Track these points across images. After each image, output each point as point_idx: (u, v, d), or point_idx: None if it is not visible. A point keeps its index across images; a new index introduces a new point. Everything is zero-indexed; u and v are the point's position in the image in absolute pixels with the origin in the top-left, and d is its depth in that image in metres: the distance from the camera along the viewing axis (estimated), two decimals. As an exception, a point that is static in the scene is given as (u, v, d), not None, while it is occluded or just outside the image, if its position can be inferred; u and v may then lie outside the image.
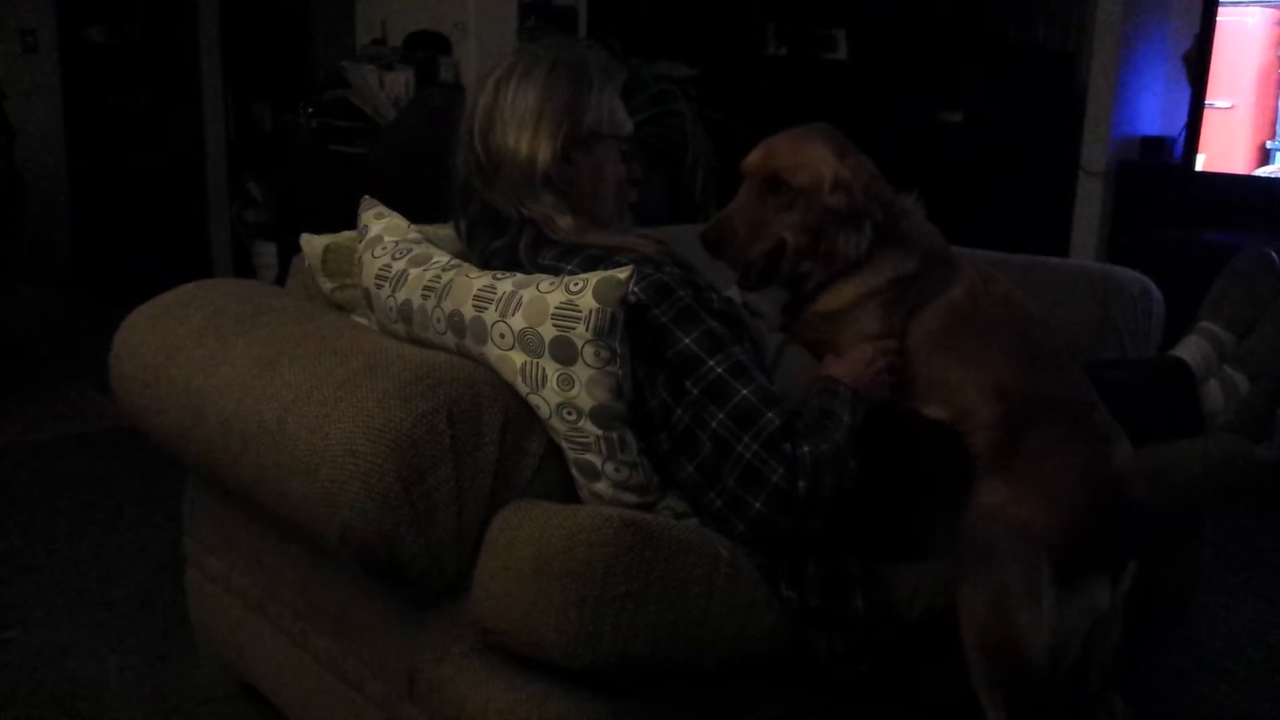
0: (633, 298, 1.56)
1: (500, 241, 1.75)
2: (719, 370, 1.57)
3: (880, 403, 1.75)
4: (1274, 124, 3.87)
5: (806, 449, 1.55)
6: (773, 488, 1.53)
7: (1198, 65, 3.94)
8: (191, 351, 1.80)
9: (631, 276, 1.50)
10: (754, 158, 1.87)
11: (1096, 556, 1.73)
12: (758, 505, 1.54)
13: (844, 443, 1.61)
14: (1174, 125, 4.22)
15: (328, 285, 2.03)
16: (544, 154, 1.71)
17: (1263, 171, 3.90)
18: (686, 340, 1.57)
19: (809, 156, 1.83)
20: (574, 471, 1.58)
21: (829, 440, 1.59)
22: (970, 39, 4.93)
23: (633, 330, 1.54)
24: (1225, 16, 3.85)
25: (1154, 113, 4.38)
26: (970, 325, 1.85)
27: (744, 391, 1.56)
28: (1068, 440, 1.78)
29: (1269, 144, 3.88)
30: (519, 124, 1.72)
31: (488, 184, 1.75)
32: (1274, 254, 2.39)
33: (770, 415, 1.55)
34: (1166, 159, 4.22)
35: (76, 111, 6.10)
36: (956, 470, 1.77)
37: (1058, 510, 1.71)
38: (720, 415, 1.55)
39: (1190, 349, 2.31)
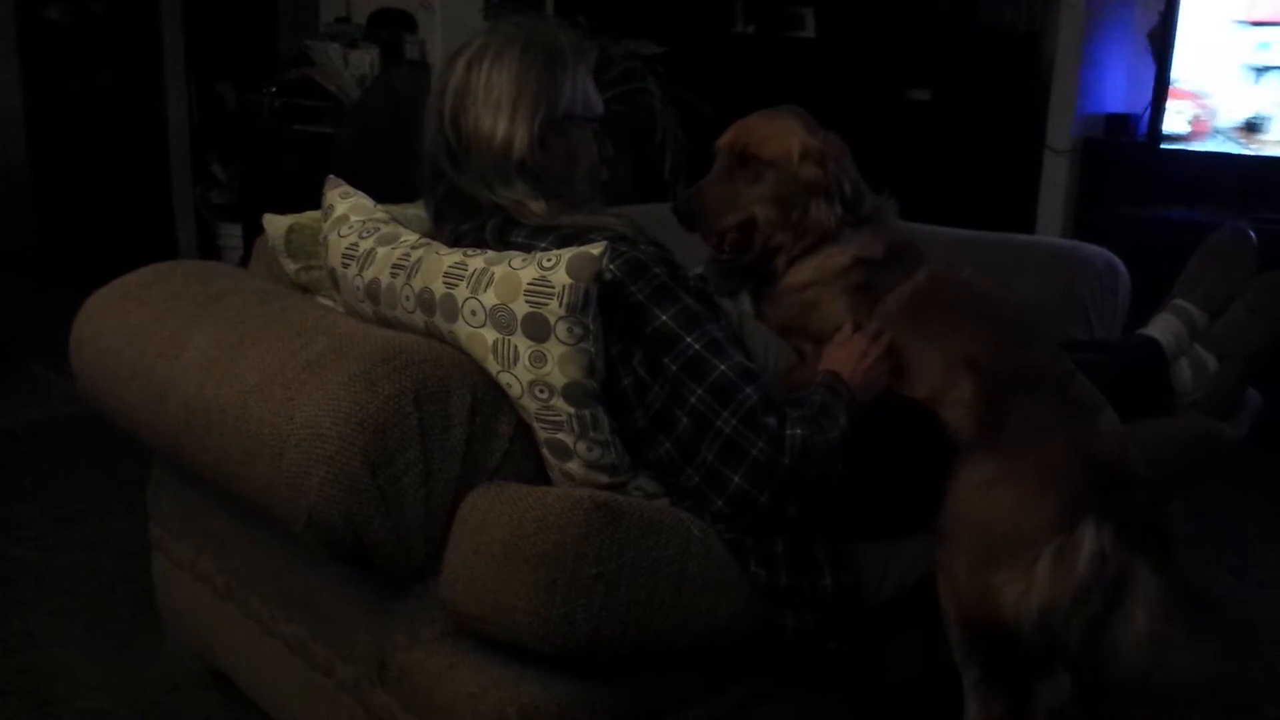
0: (608, 275, 1.54)
1: (469, 224, 1.73)
2: (696, 347, 1.56)
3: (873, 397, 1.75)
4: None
5: (800, 432, 1.55)
6: (752, 461, 1.53)
7: (1162, 43, 3.96)
8: (153, 334, 1.78)
9: (605, 253, 1.49)
10: (727, 136, 1.92)
11: (1091, 526, 1.71)
12: (737, 479, 1.54)
13: (836, 443, 1.60)
14: (1139, 103, 4.24)
15: (291, 266, 2.01)
16: (520, 140, 1.69)
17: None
18: (664, 317, 1.56)
19: (777, 130, 1.88)
20: (545, 452, 1.57)
21: (824, 436, 1.59)
22: (937, 18, 4.94)
23: (608, 307, 1.53)
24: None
25: (1119, 90, 4.40)
26: (934, 305, 1.87)
27: (722, 367, 1.56)
28: (1053, 412, 1.78)
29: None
30: (494, 108, 1.69)
31: (457, 167, 1.73)
32: (1251, 232, 2.40)
33: (749, 390, 1.55)
34: (1131, 136, 4.24)
35: (36, 92, 6.01)
36: (933, 448, 1.78)
37: (1051, 484, 1.71)
38: (699, 391, 1.55)
39: (1163, 327, 2.32)
